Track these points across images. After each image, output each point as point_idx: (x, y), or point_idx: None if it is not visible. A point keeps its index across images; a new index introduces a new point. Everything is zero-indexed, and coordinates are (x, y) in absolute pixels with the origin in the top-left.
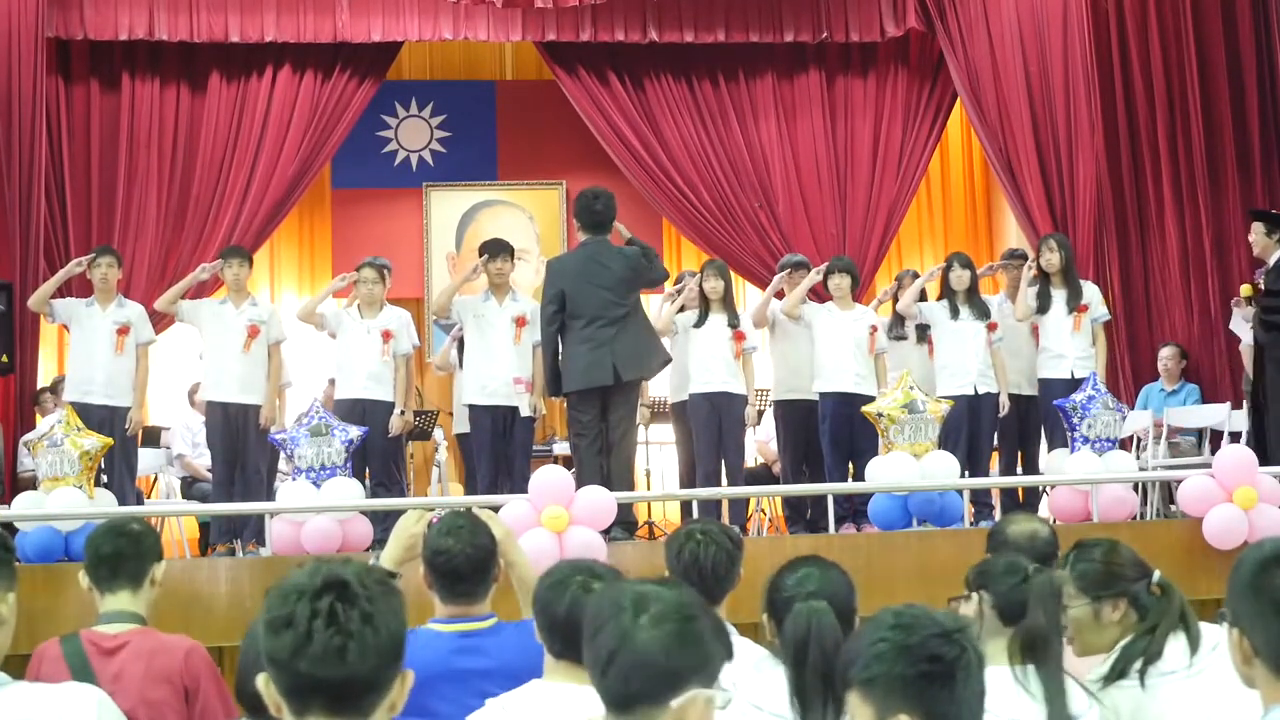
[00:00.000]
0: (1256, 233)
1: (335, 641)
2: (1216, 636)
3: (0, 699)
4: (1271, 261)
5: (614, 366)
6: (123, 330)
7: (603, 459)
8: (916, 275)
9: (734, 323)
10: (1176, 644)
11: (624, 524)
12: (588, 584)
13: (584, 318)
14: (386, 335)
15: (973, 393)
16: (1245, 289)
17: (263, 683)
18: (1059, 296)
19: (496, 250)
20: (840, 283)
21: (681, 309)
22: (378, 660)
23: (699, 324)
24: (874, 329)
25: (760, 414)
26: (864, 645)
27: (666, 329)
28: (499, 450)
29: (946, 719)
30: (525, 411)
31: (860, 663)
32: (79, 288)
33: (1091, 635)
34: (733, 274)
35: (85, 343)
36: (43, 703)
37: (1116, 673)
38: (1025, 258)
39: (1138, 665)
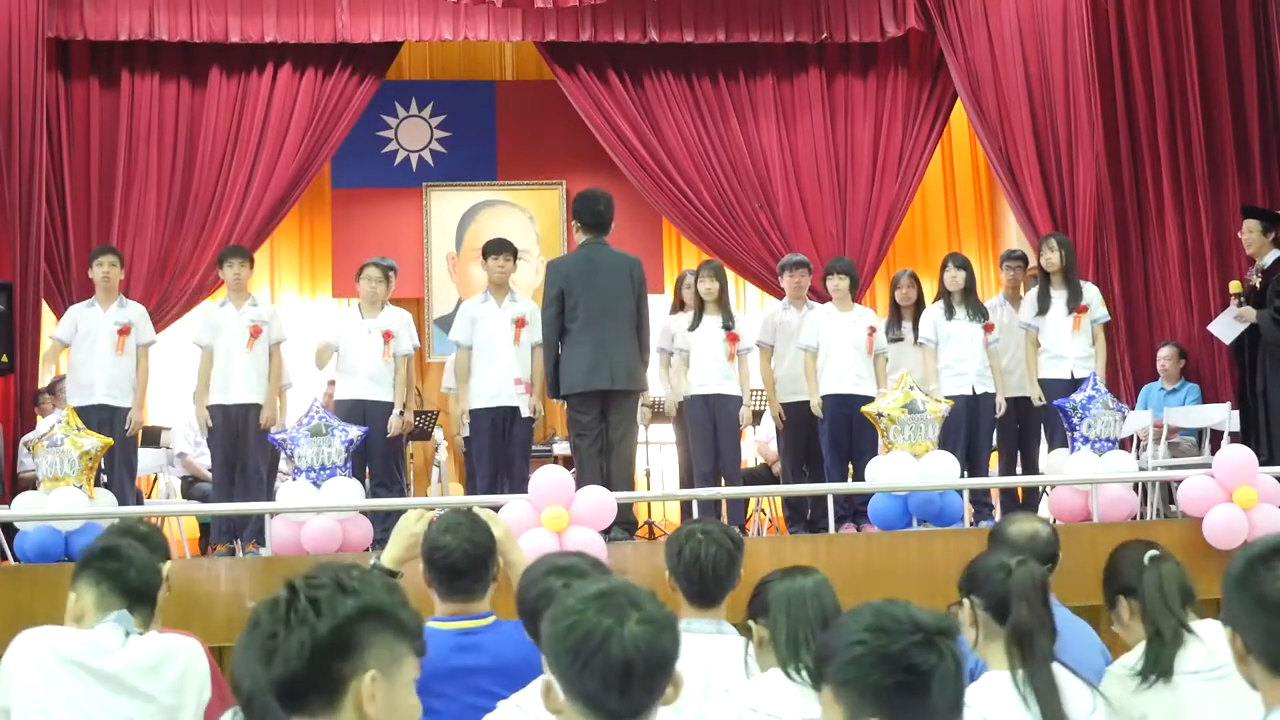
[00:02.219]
0: (1251, 230)
1: (268, 644)
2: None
3: (138, 643)
4: (1268, 261)
5: (611, 371)
6: (124, 331)
7: (603, 459)
8: (914, 277)
9: (728, 324)
10: (1200, 643)
11: (624, 524)
12: (568, 584)
13: (583, 319)
14: (387, 336)
15: (971, 393)
16: (1235, 285)
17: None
18: (1059, 297)
19: (498, 249)
20: (839, 284)
21: (682, 305)
22: (308, 660)
23: (694, 326)
24: (872, 330)
25: (759, 414)
26: (841, 643)
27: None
28: (498, 451)
29: None
30: (525, 412)
31: (836, 663)
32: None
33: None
34: (733, 275)
35: (86, 343)
36: (168, 646)
37: (1143, 676)
38: (1023, 259)
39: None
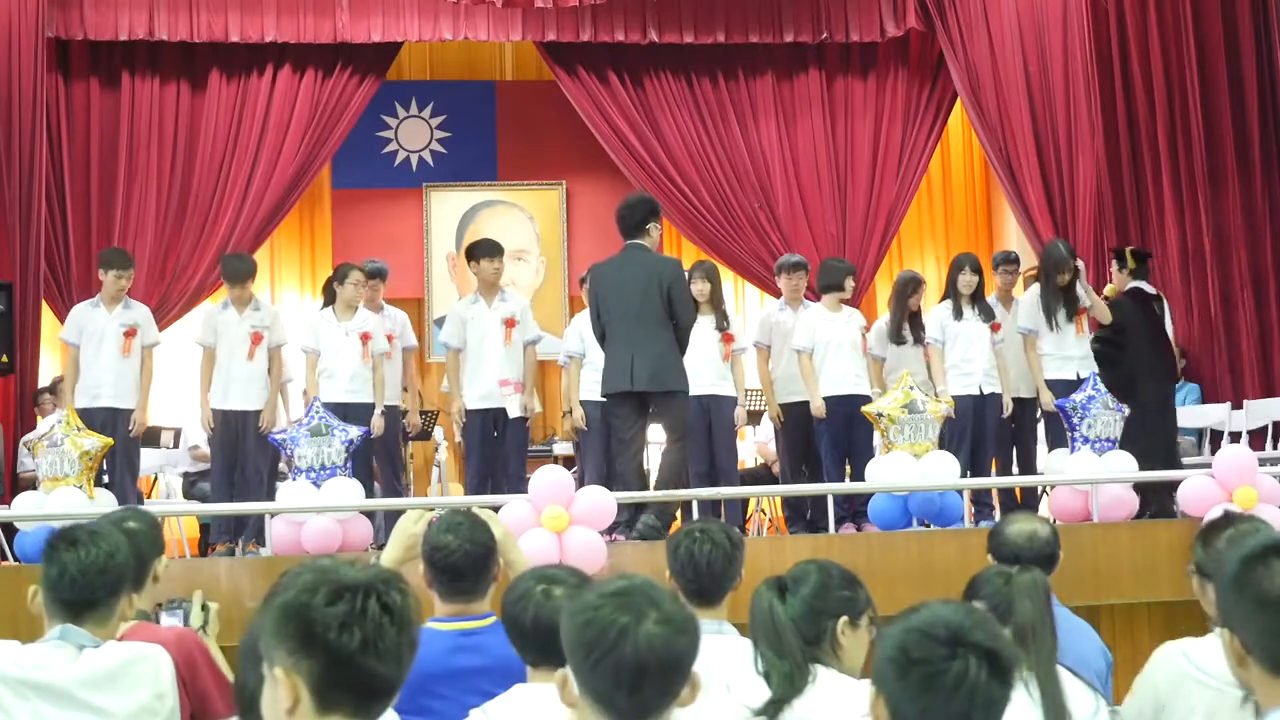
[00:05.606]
0: (1114, 270)
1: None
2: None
3: (92, 656)
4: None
5: (633, 373)
6: (129, 333)
7: (625, 463)
8: (916, 276)
9: (722, 325)
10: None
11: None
12: (548, 591)
13: (614, 322)
14: (365, 337)
15: (978, 392)
16: (1110, 289)
17: (282, 674)
18: (1061, 299)
19: (482, 252)
20: (838, 290)
21: None
22: (408, 665)
23: None
24: (865, 329)
25: (759, 415)
26: (885, 646)
27: None
28: (489, 452)
29: None
30: (515, 412)
31: (879, 664)
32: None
33: None
34: (733, 275)
35: (91, 345)
36: (126, 657)
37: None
38: (1017, 261)
39: None
